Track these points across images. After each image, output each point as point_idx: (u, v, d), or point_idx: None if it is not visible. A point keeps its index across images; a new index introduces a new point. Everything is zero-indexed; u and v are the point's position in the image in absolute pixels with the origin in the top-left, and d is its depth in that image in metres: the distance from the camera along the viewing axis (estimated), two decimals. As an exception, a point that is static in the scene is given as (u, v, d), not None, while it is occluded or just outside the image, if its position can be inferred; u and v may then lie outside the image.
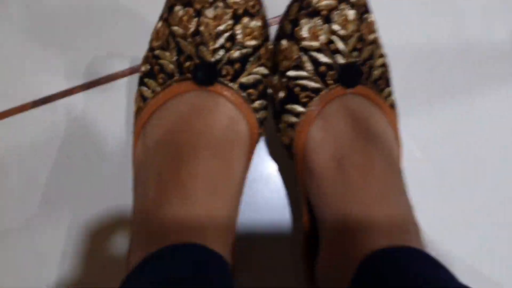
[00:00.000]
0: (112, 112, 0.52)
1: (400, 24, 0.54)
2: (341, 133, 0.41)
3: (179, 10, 0.41)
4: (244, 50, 0.41)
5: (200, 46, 0.40)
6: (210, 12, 0.40)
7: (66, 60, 0.54)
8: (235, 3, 0.41)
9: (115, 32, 0.54)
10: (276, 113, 0.45)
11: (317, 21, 0.42)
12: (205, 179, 0.37)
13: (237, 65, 0.41)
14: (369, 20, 0.43)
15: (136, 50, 0.47)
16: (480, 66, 0.54)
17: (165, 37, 0.41)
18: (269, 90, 0.45)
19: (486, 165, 0.52)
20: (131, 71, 0.53)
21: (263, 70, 0.42)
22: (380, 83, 0.44)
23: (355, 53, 0.42)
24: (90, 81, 0.53)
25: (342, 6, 0.42)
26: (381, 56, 0.45)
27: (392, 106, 0.45)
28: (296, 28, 0.42)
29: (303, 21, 0.42)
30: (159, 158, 0.39)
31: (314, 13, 0.42)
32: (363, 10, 0.43)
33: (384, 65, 0.45)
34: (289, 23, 0.43)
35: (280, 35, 0.44)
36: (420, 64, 0.54)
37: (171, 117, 0.40)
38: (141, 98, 0.42)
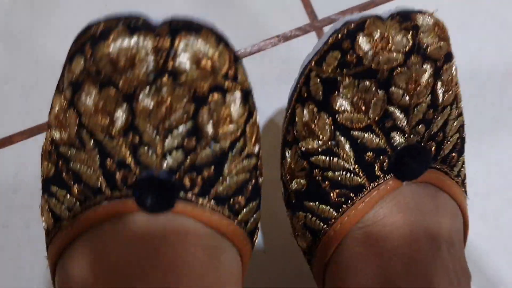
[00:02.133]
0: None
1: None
2: (391, 250, 0.27)
3: (90, 92, 0.23)
4: (217, 146, 0.24)
5: (140, 148, 0.23)
6: (149, 97, 0.23)
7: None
8: (194, 78, 0.23)
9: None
10: (288, 203, 0.30)
11: (369, 85, 0.26)
12: None
13: (207, 171, 0.24)
14: (449, 71, 0.28)
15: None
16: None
17: (73, 129, 0.24)
18: (261, 179, 0.29)
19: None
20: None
21: (250, 162, 0.26)
22: (453, 156, 0.30)
23: (420, 128, 0.27)
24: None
25: (413, 60, 0.26)
26: (460, 115, 0.30)
27: (463, 180, 0.32)
28: (333, 95, 0.26)
29: (345, 84, 0.26)
30: None
31: (367, 73, 0.26)
32: (441, 63, 0.27)
33: (461, 128, 0.30)
34: (321, 81, 0.27)
35: (301, 94, 0.28)
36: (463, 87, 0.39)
37: (109, 255, 0.24)
38: (51, 214, 0.26)
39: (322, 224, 0.28)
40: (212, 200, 0.25)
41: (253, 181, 0.27)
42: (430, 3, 0.30)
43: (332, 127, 0.27)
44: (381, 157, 0.27)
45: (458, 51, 0.39)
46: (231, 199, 0.25)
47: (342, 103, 0.26)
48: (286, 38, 0.37)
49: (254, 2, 0.36)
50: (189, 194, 0.24)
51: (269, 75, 0.36)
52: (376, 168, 0.27)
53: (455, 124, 0.29)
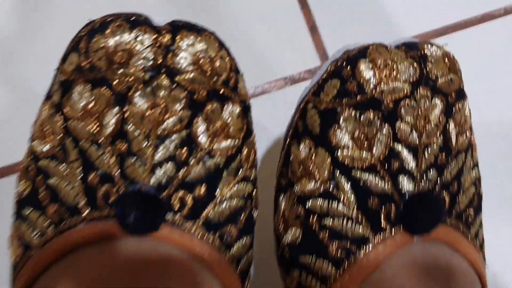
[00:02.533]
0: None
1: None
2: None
3: (82, 91, 0.21)
4: (211, 162, 0.22)
5: (127, 159, 0.21)
6: (143, 99, 0.21)
7: None
8: (192, 80, 0.22)
9: None
10: (281, 259, 0.26)
11: (372, 117, 0.22)
12: None
13: (199, 189, 0.22)
14: (462, 111, 0.24)
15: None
16: None
17: (57, 137, 0.22)
18: (256, 213, 0.26)
19: None
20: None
21: (245, 187, 0.24)
22: (469, 213, 0.26)
23: (432, 173, 0.23)
24: None
25: (421, 92, 0.23)
26: (475, 166, 0.26)
27: (482, 244, 0.27)
28: (332, 128, 0.23)
29: (345, 115, 0.23)
30: None
31: (370, 104, 0.22)
32: (453, 99, 0.24)
33: (477, 182, 0.26)
34: (318, 113, 0.24)
35: (297, 130, 0.25)
36: (490, 147, 0.36)
37: (86, 285, 0.21)
38: (20, 243, 0.23)
39: (320, 285, 0.24)
40: (202, 226, 0.22)
41: (248, 211, 0.24)
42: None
43: (331, 165, 0.23)
44: (387, 204, 0.23)
45: (488, 107, 0.35)
46: (223, 227, 0.23)
47: (342, 138, 0.23)
48: (293, 80, 0.34)
49: (259, 39, 0.34)
50: (177, 217, 0.21)
51: (272, 121, 0.33)
52: (382, 217, 0.23)
53: (471, 175, 0.25)
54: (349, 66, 0.23)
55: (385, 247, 0.23)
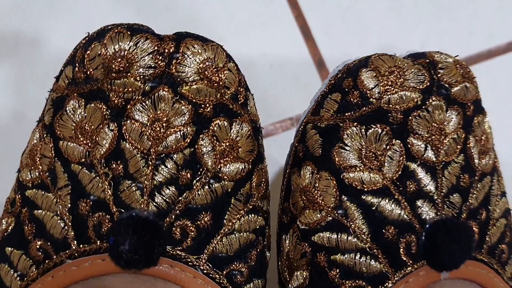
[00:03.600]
0: None
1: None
2: None
3: (75, 107, 0.19)
4: (218, 185, 0.20)
5: (122, 182, 0.19)
6: (142, 112, 0.19)
7: None
8: (197, 91, 0.19)
9: None
10: None
11: (380, 132, 0.20)
12: None
13: (203, 218, 0.19)
14: (482, 127, 0.22)
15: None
16: None
17: (47, 162, 0.20)
18: (268, 254, 0.23)
19: None
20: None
21: (256, 219, 0.21)
22: (502, 249, 0.22)
23: (456, 198, 0.20)
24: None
25: (434, 102, 0.20)
26: (504, 195, 0.23)
27: None
28: (335, 147, 0.20)
29: (349, 132, 0.20)
30: None
31: (376, 115, 0.20)
32: (471, 111, 0.21)
33: (508, 213, 0.23)
34: (319, 133, 0.21)
35: (297, 156, 0.22)
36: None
37: None
38: None
39: None
40: (207, 261, 0.19)
41: (259, 248, 0.21)
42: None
43: (337, 190, 0.20)
44: (406, 235, 0.20)
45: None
46: (231, 264, 0.20)
47: (347, 157, 0.20)
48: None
49: (264, 77, 0.32)
50: (179, 249, 0.19)
51: (277, 165, 0.31)
52: (401, 251, 0.20)
53: (499, 204, 0.22)
54: (350, 78, 0.21)
55: (407, 285, 0.19)
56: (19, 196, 0.20)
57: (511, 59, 0.36)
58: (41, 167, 0.20)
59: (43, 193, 0.20)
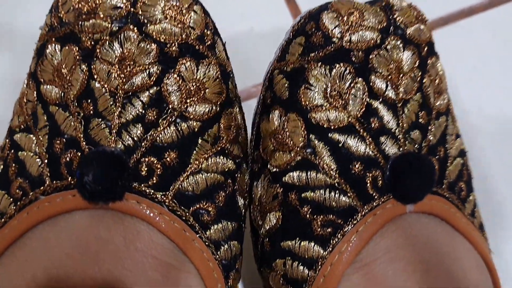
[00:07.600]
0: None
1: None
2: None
3: (53, 51, 0.20)
4: (184, 124, 0.20)
5: (92, 120, 0.19)
6: (110, 52, 0.19)
7: None
8: (163, 30, 0.20)
9: None
10: (262, 256, 0.24)
11: (343, 70, 0.20)
12: None
13: (170, 155, 0.20)
14: (436, 69, 0.22)
15: None
16: None
17: (30, 107, 0.21)
18: (241, 201, 0.24)
19: None
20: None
21: (224, 161, 0.21)
22: (461, 186, 0.23)
23: (415, 133, 0.21)
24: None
25: (391, 42, 0.21)
26: (458, 136, 0.24)
27: (481, 226, 0.24)
28: (301, 89, 0.21)
29: (314, 72, 0.21)
30: None
31: (339, 55, 0.21)
32: (425, 52, 0.22)
33: (463, 154, 0.24)
34: (285, 77, 0.22)
35: (265, 103, 0.23)
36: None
37: (36, 270, 0.19)
38: None
39: (306, 271, 0.21)
40: (173, 198, 0.20)
41: (228, 191, 0.22)
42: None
43: (305, 130, 0.21)
44: (372, 170, 0.20)
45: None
46: (198, 203, 0.20)
47: (313, 97, 0.21)
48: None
49: (245, 40, 0.33)
50: (145, 186, 0.19)
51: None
52: (369, 185, 0.20)
53: (455, 144, 0.23)
54: (312, 21, 0.21)
55: (375, 217, 0.20)
56: (8, 140, 0.21)
57: (493, 16, 0.36)
58: (26, 112, 0.20)
59: (26, 135, 0.20)
